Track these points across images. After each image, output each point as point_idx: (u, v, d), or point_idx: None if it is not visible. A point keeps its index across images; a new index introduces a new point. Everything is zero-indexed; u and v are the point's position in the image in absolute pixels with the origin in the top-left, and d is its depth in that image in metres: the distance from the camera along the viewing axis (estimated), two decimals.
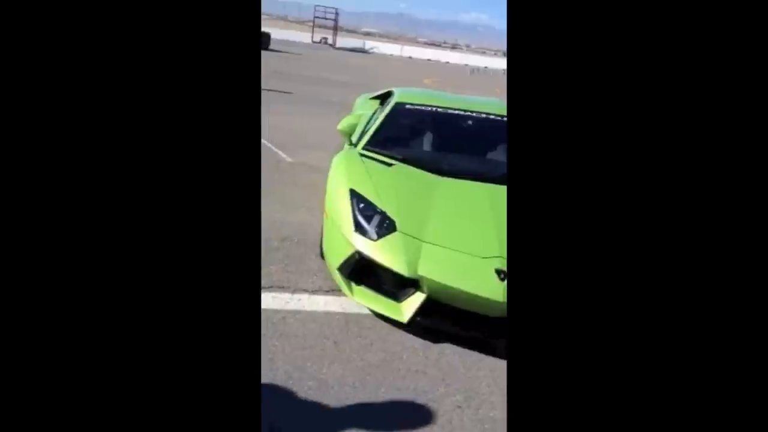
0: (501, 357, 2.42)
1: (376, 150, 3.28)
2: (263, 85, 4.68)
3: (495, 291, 2.31)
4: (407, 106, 3.86)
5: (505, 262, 2.39)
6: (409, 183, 2.97)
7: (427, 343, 2.48)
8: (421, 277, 2.39)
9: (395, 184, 2.90)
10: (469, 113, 3.83)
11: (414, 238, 2.52)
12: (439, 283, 2.37)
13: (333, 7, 37.98)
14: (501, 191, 2.85)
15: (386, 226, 2.58)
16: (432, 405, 2.06)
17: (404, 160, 3.16)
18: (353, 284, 2.59)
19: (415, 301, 2.43)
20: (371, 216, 2.63)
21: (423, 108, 3.86)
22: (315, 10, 38.05)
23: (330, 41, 37.77)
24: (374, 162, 3.11)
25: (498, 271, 2.36)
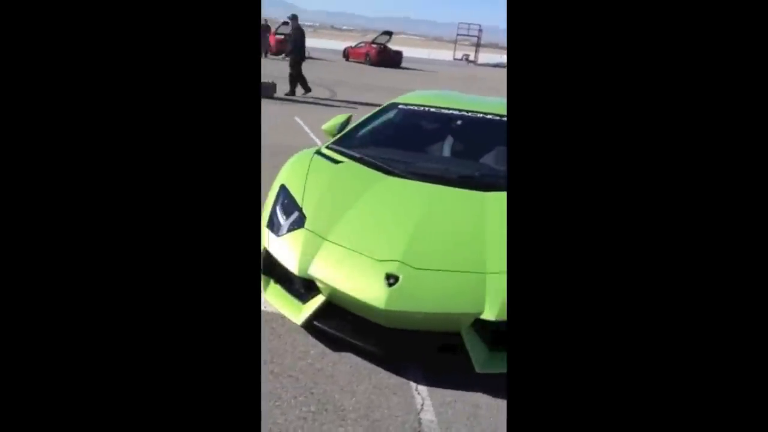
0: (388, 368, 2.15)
1: (336, 149, 3.12)
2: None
3: (377, 296, 2.04)
4: (400, 107, 3.63)
5: (402, 267, 2.13)
6: (345, 182, 2.76)
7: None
8: (312, 277, 2.21)
9: (329, 182, 2.72)
10: (468, 113, 3.47)
11: (317, 235, 2.34)
12: (327, 285, 2.16)
13: (477, 24, 37.95)
14: (458, 195, 2.63)
15: (297, 223, 2.43)
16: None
17: (358, 159, 2.95)
18: (270, 281, 2.47)
19: (314, 303, 2.25)
20: (291, 213, 2.51)
21: (416, 108, 3.59)
22: (458, 27, 38.35)
23: (471, 57, 37.73)
24: (324, 160, 2.95)
25: (388, 276, 2.10)
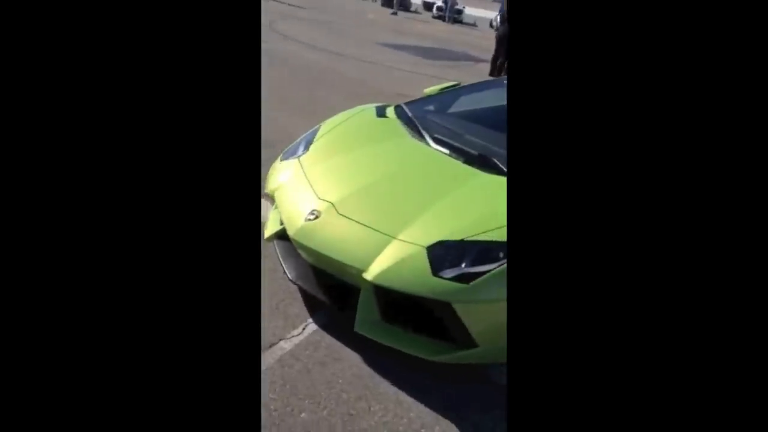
0: None
1: (402, 106, 3.20)
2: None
3: (294, 225, 2.24)
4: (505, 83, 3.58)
5: (329, 209, 2.22)
6: (362, 133, 2.95)
7: None
8: (273, 197, 2.56)
9: (352, 131, 2.96)
10: None
11: (300, 168, 2.62)
12: (276, 208, 2.52)
13: None
14: (453, 167, 2.51)
15: (292, 153, 2.81)
16: None
17: (405, 118, 3.02)
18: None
19: (275, 222, 2.52)
20: (300, 146, 2.85)
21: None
22: None
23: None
24: (373, 113, 3.16)
25: (312, 212, 2.24)
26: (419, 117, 3.04)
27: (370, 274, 1.97)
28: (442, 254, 1.98)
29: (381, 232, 2.10)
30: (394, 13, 21.33)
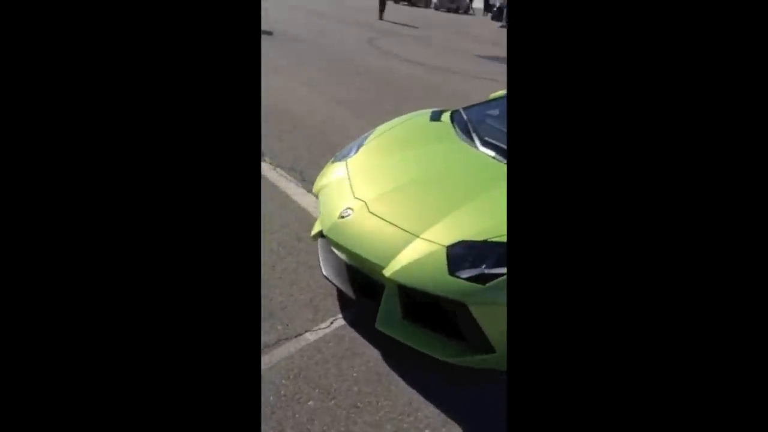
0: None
1: (460, 111, 3.24)
2: None
3: (328, 222, 2.28)
4: None
5: (362, 208, 2.27)
6: (412, 136, 2.97)
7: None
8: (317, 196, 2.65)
9: (402, 134, 2.99)
10: None
11: (346, 168, 2.69)
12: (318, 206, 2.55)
13: None
14: (493, 167, 2.50)
15: (344, 156, 2.88)
16: None
17: (459, 122, 3.04)
18: None
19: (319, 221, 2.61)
20: (352, 148, 2.94)
21: None
22: None
23: None
24: (427, 117, 3.22)
25: (345, 209, 2.30)
26: (475, 120, 3.01)
27: (389, 271, 1.98)
28: (463, 254, 1.94)
29: (406, 231, 2.10)
30: (503, 26, 21.12)
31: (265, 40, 9.74)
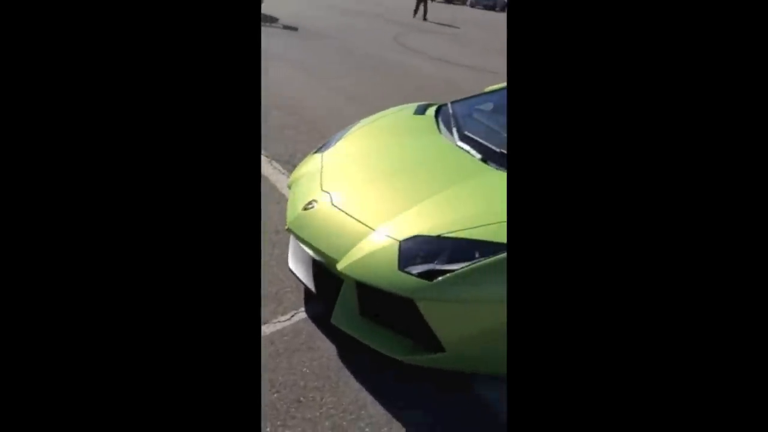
0: None
1: (446, 105, 3.18)
2: None
3: (293, 214, 2.26)
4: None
5: (325, 200, 2.23)
6: (392, 129, 2.93)
7: None
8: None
9: (384, 127, 2.95)
10: None
11: (320, 161, 2.63)
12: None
13: None
14: (468, 163, 2.40)
15: (324, 148, 2.82)
16: None
17: (443, 116, 2.98)
18: None
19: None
20: (331, 141, 2.91)
21: None
22: None
23: None
24: (411, 111, 3.16)
25: (310, 201, 2.26)
26: (460, 115, 2.92)
27: (342, 264, 1.94)
28: (414, 249, 1.88)
29: (364, 224, 2.05)
30: None
31: (288, 35, 9.80)
